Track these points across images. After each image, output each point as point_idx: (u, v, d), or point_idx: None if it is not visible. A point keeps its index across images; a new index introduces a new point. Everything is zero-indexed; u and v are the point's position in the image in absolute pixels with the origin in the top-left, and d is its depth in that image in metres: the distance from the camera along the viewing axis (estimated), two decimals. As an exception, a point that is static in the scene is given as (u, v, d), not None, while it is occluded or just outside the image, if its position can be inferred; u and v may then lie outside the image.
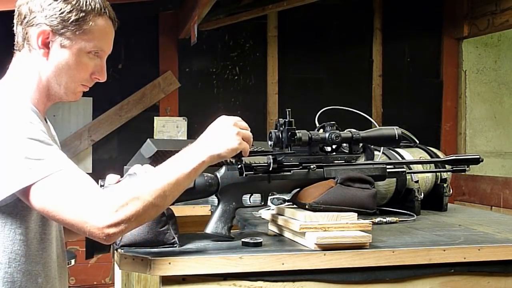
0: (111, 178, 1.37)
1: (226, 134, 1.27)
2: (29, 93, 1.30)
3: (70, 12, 1.27)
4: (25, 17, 1.29)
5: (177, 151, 1.63)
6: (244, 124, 1.31)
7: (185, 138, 4.02)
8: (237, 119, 1.31)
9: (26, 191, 1.15)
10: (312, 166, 1.49)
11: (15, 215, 1.24)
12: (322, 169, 1.49)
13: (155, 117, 4.09)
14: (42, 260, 1.30)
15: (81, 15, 1.28)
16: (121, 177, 1.41)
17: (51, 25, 1.27)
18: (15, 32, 1.33)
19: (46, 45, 1.28)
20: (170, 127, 4.09)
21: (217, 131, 1.27)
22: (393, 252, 1.36)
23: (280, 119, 1.48)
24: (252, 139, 1.31)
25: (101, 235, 1.13)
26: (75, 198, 1.14)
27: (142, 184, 1.18)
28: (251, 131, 1.39)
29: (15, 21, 1.33)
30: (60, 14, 1.26)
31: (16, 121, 1.19)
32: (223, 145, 1.26)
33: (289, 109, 1.47)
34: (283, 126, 1.47)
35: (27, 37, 1.29)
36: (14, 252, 1.25)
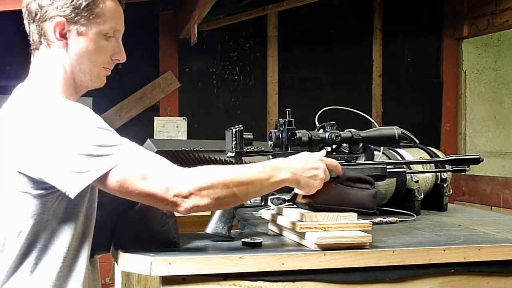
0: None
1: (313, 173, 1.35)
2: (59, 88, 1.32)
3: None
4: (36, 14, 1.29)
5: (177, 151, 1.63)
6: (336, 166, 1.41)
7: (185, 138, 4.02)
8: (333, 162, 1.40)
9: (104, 176, 1.17)
10: None
11: (70, 210, 1.24)
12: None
13: (155, 117, 4.08)
14: (86, 252, 1.32)
15: None
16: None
17: (64, 15, 1.28)
18: (28, 32, 1.34)
19: (63, 36, 1.30)
20: (170, 127, 4.09)
21: (309, 163, 1.35)
22: (393, 252, 1.36)
23: (280, 119, 1.49)
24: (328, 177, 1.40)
25: (183, 203, 1.18)
26: (159, 168, 1.19)
27: (233, 174, 1.24)
28: (252, 134, 1.41)
29: (25, 21, 1.33)
30: (71, 2, 1.28)
31: (74, 113, 1.21)
32: (305, 178, 1.34)
33: (289, 109, 1.47)
34: (283, 126, 1.47)
35: (43, 32, 1.30)
36: (71, 247, 1.26)
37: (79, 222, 1.27)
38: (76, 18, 1.29)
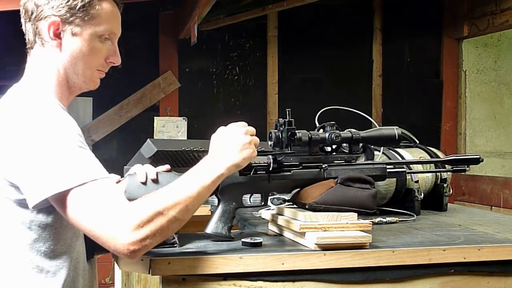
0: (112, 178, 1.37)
1: (241, 143, 1.29)
2: (52, 89, 1.31)
3: None
4: (32, 13, 1.30)
5: (177, 151, 1.63)
6: (253, 130, 1.34)
7: (185, 138, 4.02)
8: (245, 125, 1.33)
9: (59, 197, 1.15)
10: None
11: (55, 214, 1.23)
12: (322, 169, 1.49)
13: (155, 117, 4.08)
14: (76, 255, 1.31)
15: (86, 0, 1.29)
16: (121, 177, 1.41)
17: (59, 15, 1.28)
18: (24, 30, 1.34)
19: (57, 36, 1.29)
20: (170, 127, 4.09)
21: (231, 141, 1.29)
22: (393, 252, 1.36)
23: (280, 119, 1.49)
24: (258, 144, 1.34)
25: (126, 251, 1.13)
26: (104, 213, 1.14)
27: (165, 199, 1.18)
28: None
29: (22, 19, 1.33)
30: (66, 2, 1.28)
31: (52, 123, 1.19)
32: (239, 155, 1.29)
33: (289, 109, 1.47)
34: (283, 126, 1.47)
35: (38, 31, 1.30)
36: (55, 251, 1.25)
37: (67, 223, 1.26)
38: (71, 19, 1.28)
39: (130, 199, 1.32)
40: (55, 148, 1.15)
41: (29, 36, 1.33)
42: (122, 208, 1.15)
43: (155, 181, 1.38)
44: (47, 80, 1.31)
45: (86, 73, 1.33)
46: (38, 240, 1.23)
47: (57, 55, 1.31)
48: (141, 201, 1.18)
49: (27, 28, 1.33)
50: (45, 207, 1.20)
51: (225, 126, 1.35)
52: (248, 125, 1.34)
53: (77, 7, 1.28)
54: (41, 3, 1.28)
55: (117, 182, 1.36)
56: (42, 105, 1.23)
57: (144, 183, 1.37)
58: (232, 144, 1.29)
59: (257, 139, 1.33)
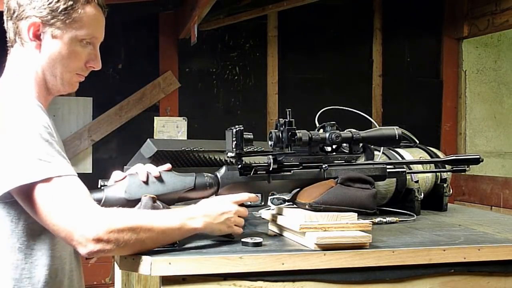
0: (117, 175, 1.38)
1: (224, 217, 1.33)
2: (31, 88, 1.31)
3: (58, 1, 1.28)
4: (14, 12, 1.29)
5: (177, 151, 1.63)
6: (244, 212, 1.39)
7: (185, 138, 4.02)
8: (239, 208, 1.37)
9: (23, 191, 1.15)
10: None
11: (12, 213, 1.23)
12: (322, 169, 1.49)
13: (155, 117, 4.09)
14: (58, 253, 1.30)
15: (69, 3, 1.28)
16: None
17: (40, 16, 1.27)
18: (6, 28, 1.34)
19: (37, 37, 1.29)
20: (170, 127, 4.09)
21: (221, 209, 1.33)
22: (393, 252, 1.36)
23: (280, 119, 1.49)
24: (243, 224, 1.40)
25: (87, 246, 1.13)
26: (70, 204, 1.15)
27: (143, 219, 1.20)
28: (252, 134, 1.41)
29: (5, 17, 1.33)
30: (48, 4, 1.27)
31: (19, 118, 1.19)
32: (219, 225, 1.33)
33: (289, 109, 1.47)
34: (283, 126, 1.47)
35: (18, 31, 1.30)
36: (30, 247, 1.25)
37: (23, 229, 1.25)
38: (52, 21, 1.28)
39: (131, 199, 1.33)
40: (20, 142, 1.16)
41: (10, 34, 1.33)
42: (95, 207, 1.17)
43: (157, 180, 1.38)
44: (25, 79, 1.31)
45: (64, 76, 1.33)
46: (12, 236, 1.23)
47: (36, 56, 1.31)
48: (122, 210, 1.21)
49: (9, 26, 1.33)
50: (16, 201, 1.19)
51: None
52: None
53: (59, 10, 1.27)
54: (23, 2, 1.28)
55: (122, 179, 1.36)
56: (13, 101, 1.22)
57: (146, 183, 1.36)
58: (219, 212, 1.33)
59: (241, 221, 1.38)
